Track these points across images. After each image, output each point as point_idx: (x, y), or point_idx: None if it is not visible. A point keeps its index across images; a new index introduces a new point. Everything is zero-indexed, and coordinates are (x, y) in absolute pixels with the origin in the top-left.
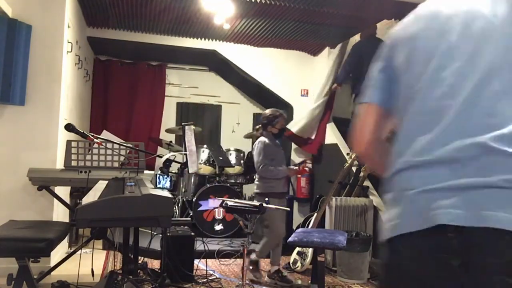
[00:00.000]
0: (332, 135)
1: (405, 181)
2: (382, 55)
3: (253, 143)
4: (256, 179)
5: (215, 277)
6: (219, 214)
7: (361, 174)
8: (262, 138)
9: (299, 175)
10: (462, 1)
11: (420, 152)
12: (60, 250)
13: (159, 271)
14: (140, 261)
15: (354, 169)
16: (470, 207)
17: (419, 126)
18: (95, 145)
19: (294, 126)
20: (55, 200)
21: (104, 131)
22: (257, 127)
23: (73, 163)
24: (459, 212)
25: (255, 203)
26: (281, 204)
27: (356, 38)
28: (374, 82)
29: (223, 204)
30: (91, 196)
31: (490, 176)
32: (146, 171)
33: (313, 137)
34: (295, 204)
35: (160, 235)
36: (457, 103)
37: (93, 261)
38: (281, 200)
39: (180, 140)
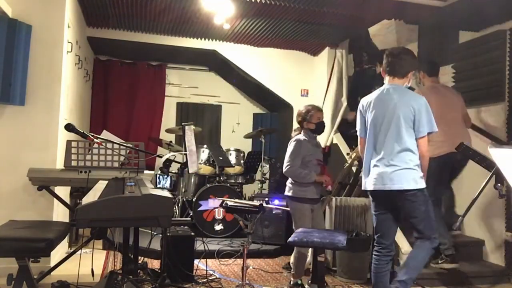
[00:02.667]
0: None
1: None
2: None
3: (253, 143)
4: (289, 181)
5: (215, 277)
6: (219, 214)
7: (361, 174)
8: (298, 136)
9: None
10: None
11: None
12: (60, 250)
13: (159, 271)
14: (140, 261)
15: (354, 169)
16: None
17: None
18: (95, 145)
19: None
20: (55, 200)
21: (104, 131)
22: (295, 128)
23: (73, 163)
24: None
25: (255, 203)
26: (307, 210)
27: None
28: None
29: (223, 204)
30: (91, 196)
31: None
32: (146, 171)
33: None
34: None
35: (160, 235)
36: None
37: (93, 261)
38: (308, 206)
39: (180, 140)
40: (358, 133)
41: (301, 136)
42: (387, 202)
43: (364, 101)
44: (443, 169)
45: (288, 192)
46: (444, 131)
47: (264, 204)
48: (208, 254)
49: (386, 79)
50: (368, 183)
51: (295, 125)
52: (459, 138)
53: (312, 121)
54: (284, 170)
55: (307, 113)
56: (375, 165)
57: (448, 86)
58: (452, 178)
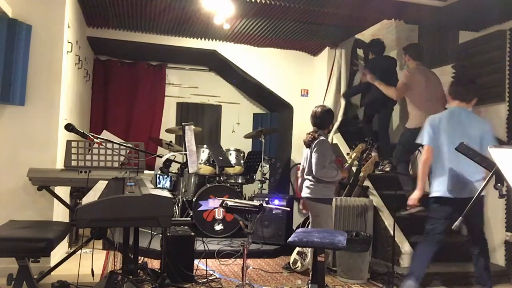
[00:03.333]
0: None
1: None
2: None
3: (253, 143)
4: (310, 183)
5: (215, 277)
6: (219, 214)
7: (361, 174)
8: (321, 137)
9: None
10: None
11: None
12: (60, 250)
13: (159, 271)
14: (140, 261)
15: (354, 169)
16: None
17: None
18: (95, 145)
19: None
20: (55, 200)
21: (104, 131)
22: (314, 130)
23: (73, 163)
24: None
25: (255, 203)
26: (330, 210)
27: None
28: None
29: (223, 204)
30: (91, 196)
31: None
32: (146, 171)
33: None
34: (295, 204)
35: (160, 235)
36: None
37: (93, 261)
38: (330, 206)
39: (180, 140)
40: (425, 142)
41: (323, 137)
42: (456, 208)
43: (435, 117)
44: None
45: (310, 194)
46: (423, 106)
47: (264, 204)
48: (208, 254)
49: (455, 102)
50: (442, 191)
51: (296, 125)
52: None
53: (330, 127)
54: (316, 172)
55: (332, 117)
56: (448, 175)
57: (429, 69)
58: None
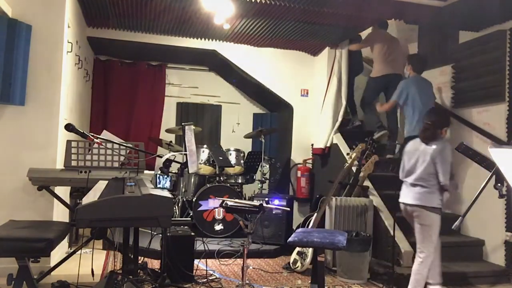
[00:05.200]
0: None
1: None
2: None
3: (253, 143)
4: (424, 189)
5: (215, 277)
6: (219, 214)
7: (361, 174)
8: (446, 140)
9: None
10: None
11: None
12: (60, 250)
13: (159, 271)
14: (140, 261)
15: (354, 169)
16: None
17: None
18: (95, 145)
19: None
20: (55, 200)
21: (104, 131)
22: (433, 122)
23: (73, 163)
24: None
25: (255, 203)
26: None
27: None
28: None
29: (223, 204)
30: (91, 196)
31: None
32: (146, 171)
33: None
34: (295, 204)
35: (160, 235)
36: None
37: (93, 261)
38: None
39: (180, 140)
40: (394, 97)
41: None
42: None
43: (407, 82)
44: (378, 86)
45: (431, 203)
46: (383, 60)
47: (264, 204)
48: (208, 254)
49: (415, 73)
50: (412, 132)
51: (296, 125)
52: (395, 66)
53: (446, 127)
54: (444, 182)
55: (445, 118)
56: (416, 122)
57: (392, 35)
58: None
